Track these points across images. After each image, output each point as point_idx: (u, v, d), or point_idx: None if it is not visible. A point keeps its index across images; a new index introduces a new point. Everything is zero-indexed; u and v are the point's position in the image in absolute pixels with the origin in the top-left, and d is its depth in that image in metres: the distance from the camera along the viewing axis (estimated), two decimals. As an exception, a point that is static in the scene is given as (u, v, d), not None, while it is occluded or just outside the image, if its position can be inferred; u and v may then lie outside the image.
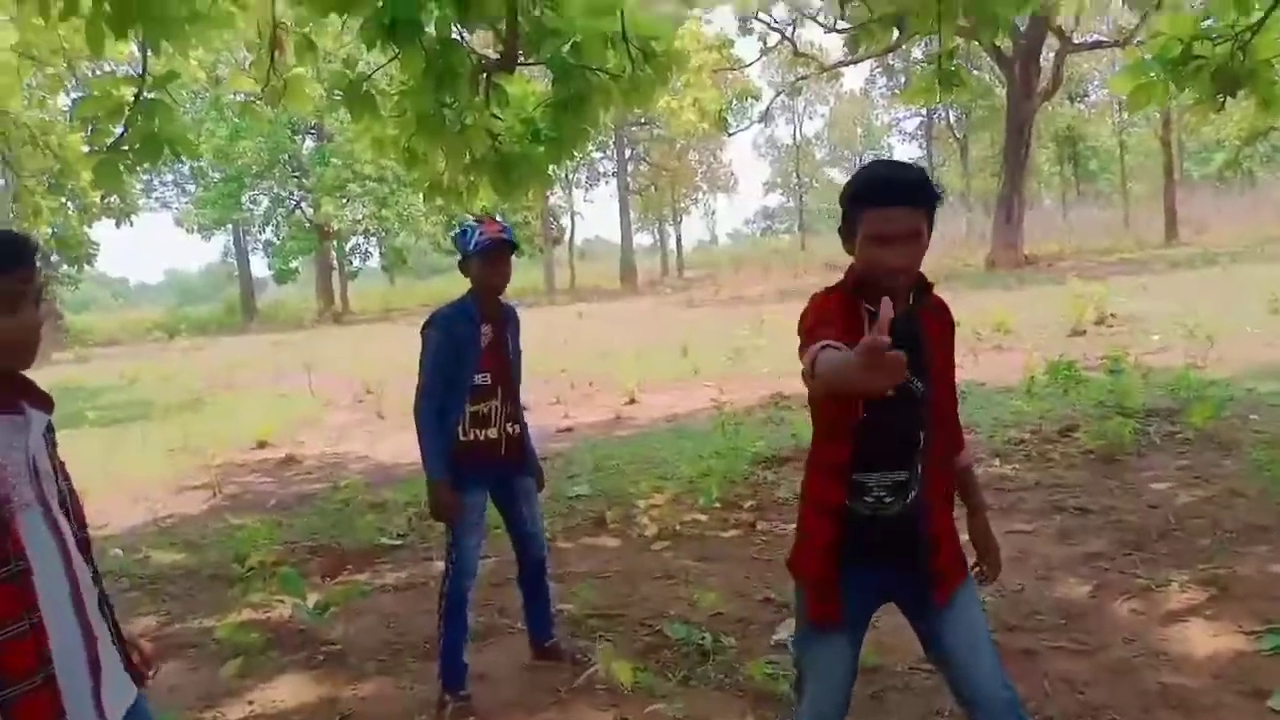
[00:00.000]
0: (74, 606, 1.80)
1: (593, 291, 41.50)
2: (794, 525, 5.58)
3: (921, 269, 2.17)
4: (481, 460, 3.62)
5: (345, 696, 3.87)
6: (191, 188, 45.82)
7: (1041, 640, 3.75)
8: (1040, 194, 54.76)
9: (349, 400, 13.55)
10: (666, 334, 17.76)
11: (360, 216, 42.27)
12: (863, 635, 2.34)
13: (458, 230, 3.70)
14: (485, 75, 6.48)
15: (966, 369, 9.02)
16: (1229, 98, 6.43)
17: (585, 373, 13.53)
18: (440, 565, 5.46)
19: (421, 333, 3.61)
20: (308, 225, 43.17)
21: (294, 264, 45.00)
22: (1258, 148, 35.71)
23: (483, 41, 7.99)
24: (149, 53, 5.68)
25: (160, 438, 11.10)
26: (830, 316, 2.10)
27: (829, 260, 36.29)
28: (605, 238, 76.62)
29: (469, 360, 3.56)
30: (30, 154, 14.07)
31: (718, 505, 6.08)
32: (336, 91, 6.37)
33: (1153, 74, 6.38)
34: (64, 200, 17.61)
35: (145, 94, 5.29)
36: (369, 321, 35.62)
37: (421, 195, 8.17)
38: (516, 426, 3.74)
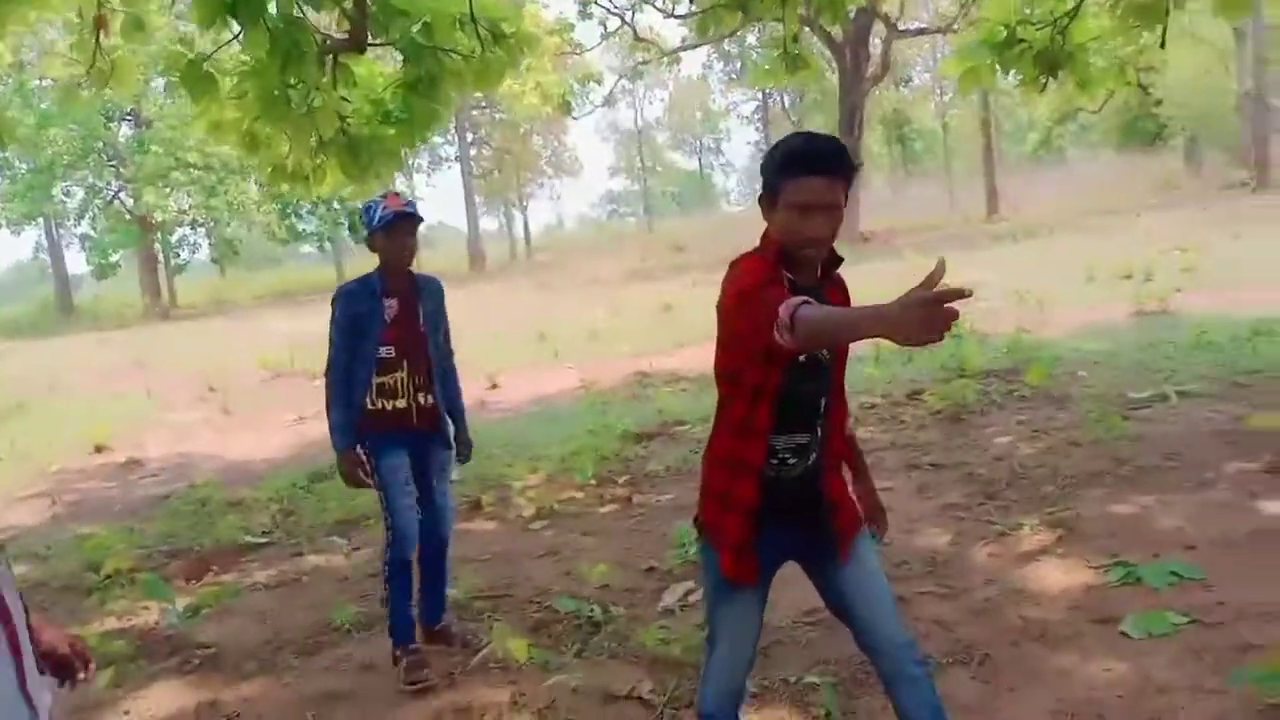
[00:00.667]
0: None
1: (441, 276, 40.63)
2: (669, 496, 5.70)
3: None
4: (392, 427, 3.64)
5: (227, 699, 3.72)
6: (-6, 181, 42.31)
7: (911, 587, 3.96)
8: (871, 174, 57.18)
9: (189, 399, 12.87)
10: (522, 318, 17.65)
11: (186, 206, 40.05)
12: (767, 592, 2.43)
13: (362, 207, 3.75)
14: (332, 55, 6.29)
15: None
16: (1051, 79, 6.91)
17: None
18: (312, 560, 5.39)
19: (332, 306, 3.63)
20: (128, 217, 40.63)
21: (114, 258, 42.32)
22: (1068, 127, 38.41)
23: (323, 21, 7.73)
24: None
25: (-18, 447, 10.29)
26: (767, 280, 2.14)
27: (675, 243, 36.91)
28: (449, 223, 75.26)
29: (370, 334, 3.58)
30: None
31: (593, 482, 6.14)
32: (172, 72, 6.03)
33: (980, 58, 6.78)
34: None
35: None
36: (200, 316, 33.88)
37: (264, 180, 7.86)
38: (429, 397, 3.72)
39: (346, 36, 5.76)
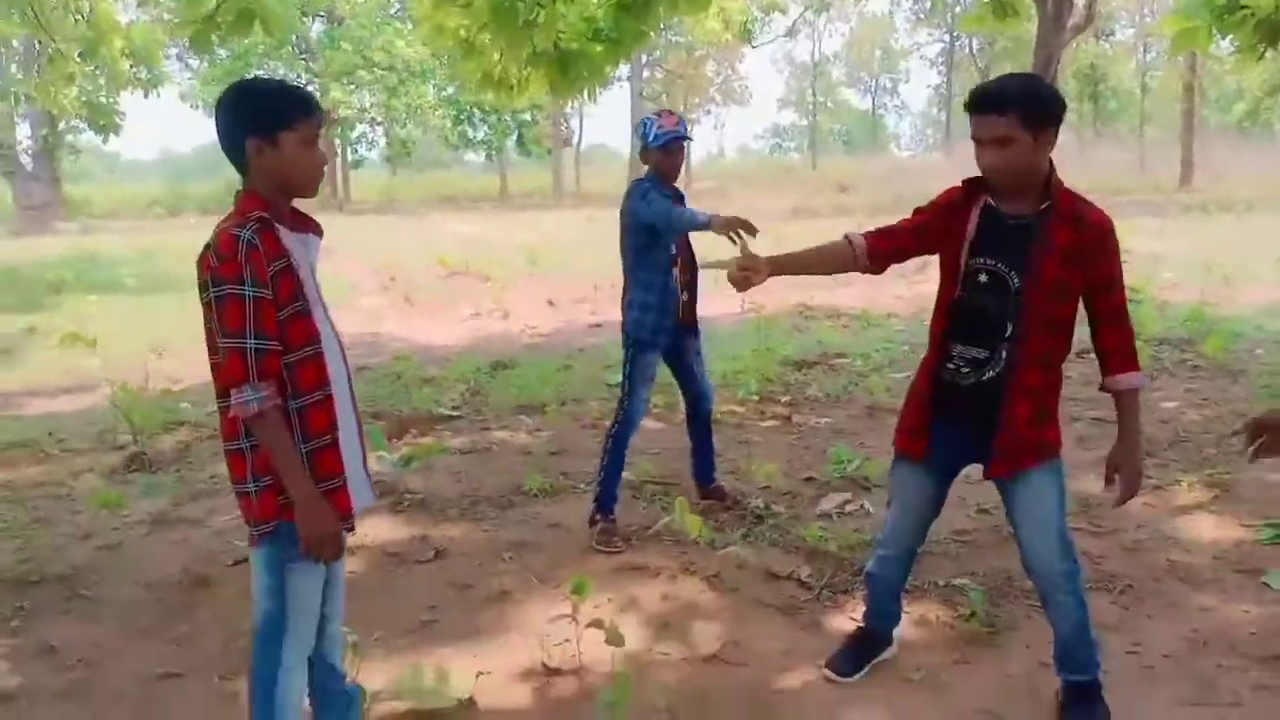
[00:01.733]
0: (349, 388, 2.27)
1: (600, 197, 41.37)
2: (827, 420, 6.01)
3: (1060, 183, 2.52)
4: (669, 321, 4.12)
5: (435, 535, 4.30)
6: (195, 64, 45.02)
7: (1062, 524, 4.18)
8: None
9: (374, 286, 13.81)
10: (682, 243, 17.95)
11: (368, 104, 41.85)
12: (946, 480, 2.79)
13: (640, 122, 4.10)
14: (556, -29, 6.67)
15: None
16: (1270, 48, 6.67)
17: (606, 273, 13.82)
18: (499, 434, 5.96)
19: (629, 194, 4.03)
20: (313, 110, 42.79)
21: (298, 144, 44.79)
22: (1279, 100, 35.64)
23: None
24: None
25: (195, 308, 11.43)
26: (936, 203, 2.67)
27: (840, 183, 36.34)
28: (607, 145, 75.79)
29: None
30: (61, 20, 14.02)
31: (755, 398, 6.49)
32: None
33: (1199, 19, 6.61)
34: (95, 68, 17.50)
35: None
36: (371, 212, 35.55)
37: (471, 86, 8.38)
38: (689, 294, 4.21)
39: (577, -45, 6.10)
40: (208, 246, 2.12)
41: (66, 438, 6.17)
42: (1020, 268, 2.51)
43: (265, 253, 2.09)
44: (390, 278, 13.89)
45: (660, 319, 4.06)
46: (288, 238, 2.19)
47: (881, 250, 2.68)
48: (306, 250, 2.27)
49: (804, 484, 4.86)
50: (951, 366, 2.64)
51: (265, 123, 2.16)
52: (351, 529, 2.32)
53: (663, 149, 3.99)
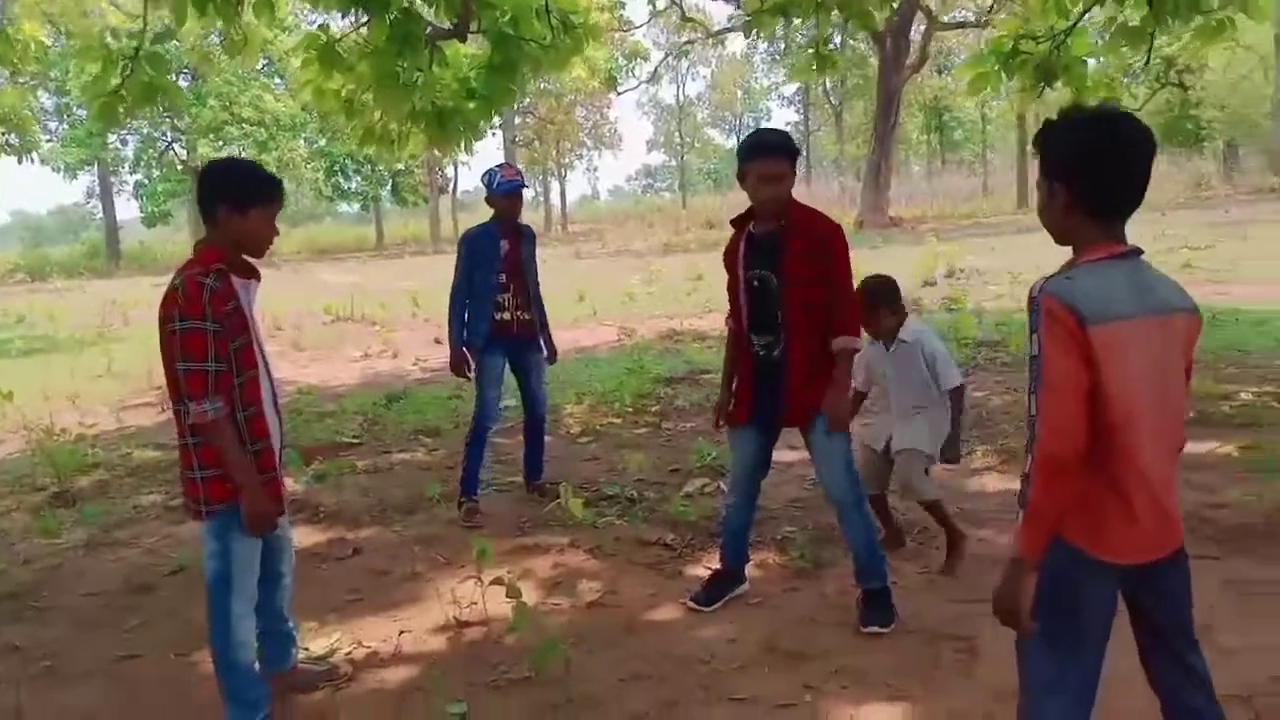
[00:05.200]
0: (273, 404, 2.90)
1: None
2: (691, 424, 6.83)
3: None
4: (499, 334, 4.92)
5: (351, 538, 4.91)
6: (54, 125, 43.90)
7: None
8: (908, 161, 57.81)
9: (261, 334, 14.03)
10: (560, 282, 18.71)
11: (238, 159, 41.50)
12: (767, 435, 3.62)
13: (484, 172, 4.88)
14: (432, 41, 7.40)
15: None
16: (1047, 87, 7.90)
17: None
18: (399, 456, 6.57)
19: (457, 246, 4.95)
20: (180, 167, 42.30)
21: (166, 206, 44.09)
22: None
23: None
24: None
25: (84, 366, 11.59)
26: (726, 255, 3.65)
27: (709, 219, 37.85)
28: (482, 189, 76.17)
29: (491, 265, 4.86)
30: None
31: (629, 411, 7.27)
32: (310, 50, 7.08)
33: (988, 65, 7.79)
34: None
35: (145, 48, 6.06)
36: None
37: (355, 142, 9.01)
38: (526, 315, 4.99)
39: (451, 27, 6.84)
40: (174, 288, 2.70)
41: (-18, 486, 6.48)
42: (774, 269, 3.41)
43: (223, 296, 2.72)
44: (276, 326, 14.20)
45: (485, 334, 4.90)
46: (238, 284, 2.83)
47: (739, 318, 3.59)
48: (248, 293, 2.89)
49: (670, 475, 5.64)
50: (755, 350, 3.55)
51: (240, 197, 2.80)
52: (283, 511, 2.99)
53: (504, 196, 4.89)
